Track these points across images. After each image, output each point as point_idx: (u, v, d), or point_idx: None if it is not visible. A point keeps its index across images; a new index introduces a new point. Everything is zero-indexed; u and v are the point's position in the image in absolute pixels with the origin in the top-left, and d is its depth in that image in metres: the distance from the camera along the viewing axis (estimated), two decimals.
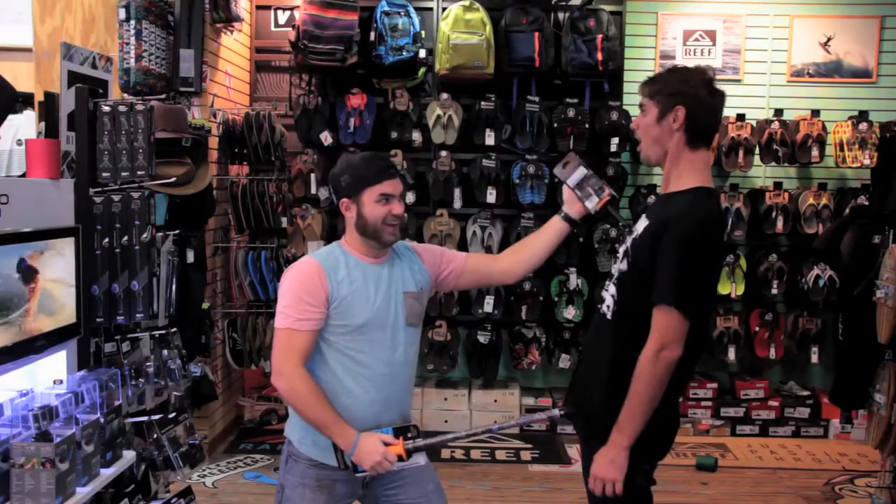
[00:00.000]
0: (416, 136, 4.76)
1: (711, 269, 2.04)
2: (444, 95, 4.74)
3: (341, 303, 2.07)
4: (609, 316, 2.07)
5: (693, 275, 1.93)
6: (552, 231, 2.31)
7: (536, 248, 2.32)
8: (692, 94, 2.00)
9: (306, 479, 2.14)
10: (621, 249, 2.11)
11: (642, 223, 2.05)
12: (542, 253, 2.31)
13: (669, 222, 1.93)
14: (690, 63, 5.50)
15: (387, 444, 2.04)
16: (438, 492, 2.24)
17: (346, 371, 2.10)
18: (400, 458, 2.04)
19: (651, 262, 1.94)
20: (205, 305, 3.81)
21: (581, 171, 2.25)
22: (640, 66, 5.15)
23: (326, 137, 4.73)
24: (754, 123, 4.89)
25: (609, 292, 2.10)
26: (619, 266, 2.06)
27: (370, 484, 2.16)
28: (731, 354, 4.85)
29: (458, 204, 4.82)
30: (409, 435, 2.07)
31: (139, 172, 2.42)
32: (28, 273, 2.02)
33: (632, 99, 5.08)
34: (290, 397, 2.05)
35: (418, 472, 2.18)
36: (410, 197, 4.71)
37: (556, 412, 2.18)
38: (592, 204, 2.23)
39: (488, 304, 4.73)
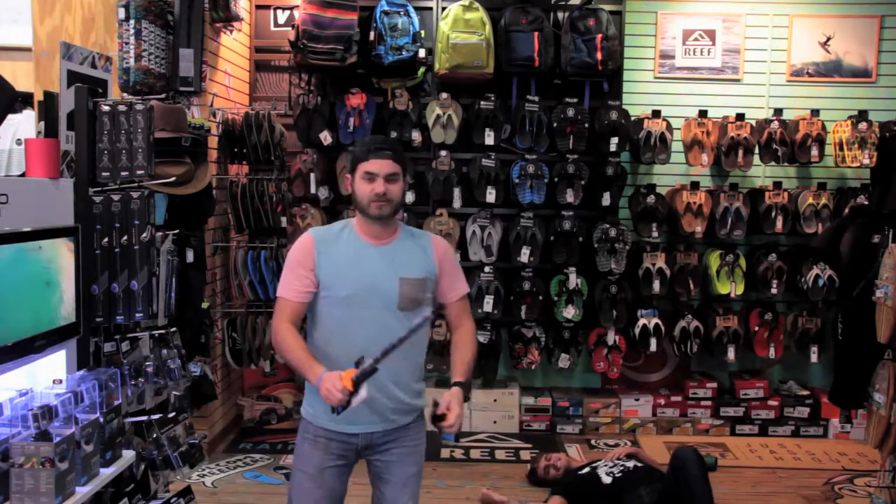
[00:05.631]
0: (416, 135, 4.76)
1: None
2: (444, 95, 4.73)
3: (326, 274, 2.24)
4: None
5: None
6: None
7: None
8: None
9: (306, 433, 2.34)
10: None
11: None
12: None
13: None
14: (690, 62, 5.48)
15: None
16: (417, 477, 2.40)
17: (330, 340, 2.27)
18: (352, 391, 2.02)
19: None
20: (204, 305, 3.81)
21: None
22: (639, 66, 5.15)
23: (326, 137, 4.72)
24: (754, 123, 4.88)
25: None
26: None
27: (361, 453, 2.33)
28: (731, 354, 4.85)
29: (457, 203, 4.82)
30: (359, 365, 2.03)
31: (139, 172, 2.42)
32: None
33: (631, 99, 5.08)
34: (278, 347, 2.26)
35: (406, 454, 2.35)
36: (410, 196, 4.71)
37: None
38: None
39: (488, 304, 4.72)
